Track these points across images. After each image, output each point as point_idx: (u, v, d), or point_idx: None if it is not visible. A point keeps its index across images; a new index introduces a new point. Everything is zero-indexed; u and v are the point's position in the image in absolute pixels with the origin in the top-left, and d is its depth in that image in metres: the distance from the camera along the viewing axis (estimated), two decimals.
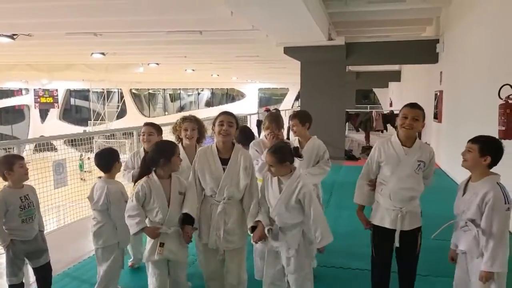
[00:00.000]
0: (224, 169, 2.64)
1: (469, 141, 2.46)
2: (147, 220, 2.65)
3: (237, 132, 2.81)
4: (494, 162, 2.40)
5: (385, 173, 2.77)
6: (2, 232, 2.79)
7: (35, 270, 2.98)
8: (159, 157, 2.61)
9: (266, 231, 2.62)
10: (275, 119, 3.35)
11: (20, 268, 2.91)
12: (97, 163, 2.99)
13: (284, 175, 2.66)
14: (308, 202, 2.59)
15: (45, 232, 3.13)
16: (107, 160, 2.98)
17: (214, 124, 2.71)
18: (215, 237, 2.66)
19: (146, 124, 3.66)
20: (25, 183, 2.93)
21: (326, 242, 2.60)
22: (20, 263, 2.90)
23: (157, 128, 3.63)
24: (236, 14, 6.95)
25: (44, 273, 3.00)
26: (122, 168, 3.72)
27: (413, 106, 2.71)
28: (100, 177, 2.99)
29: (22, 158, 2.92)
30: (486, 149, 2.37)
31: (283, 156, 2.63)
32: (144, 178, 2.64)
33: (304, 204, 2.61)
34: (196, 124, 3.40)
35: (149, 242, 2.67)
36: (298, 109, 11.55)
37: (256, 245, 2.95)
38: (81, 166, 14.91)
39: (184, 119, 3.43)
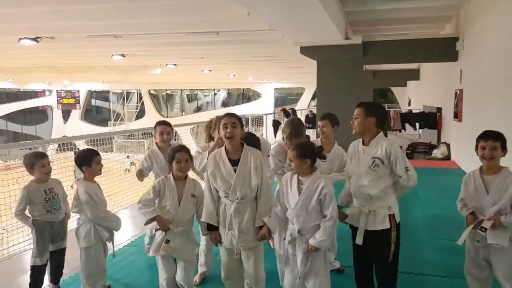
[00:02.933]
0: (235, 170, 2.66)
1: (485, 139, 2.58)
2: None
3: (242, 135, 2.82)
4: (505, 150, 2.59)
5: (350, 171, 2.83)
6: (24, 219, 3.04)
7: (51, 253, 3.13)
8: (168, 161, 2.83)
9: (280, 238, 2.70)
10: (291, 126, 3.39)
11: (46, 249, 3.06)
12: (75, 162, 3.07)
13: (304, 174, 2.64)
14: (328, 203, 2.57)
15: (68, 229, 3.25)
16: (78, 162, 3.02)
17: (219, 128, 2.76)
18: (231, 236, 2.68)
19: (162, 123, 3.67)
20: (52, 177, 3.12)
21: (319, 246, 2.55)
22: (46, 243, 3.06)
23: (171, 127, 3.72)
24: (253, 15, 7.00)
25: (59, 257, 3.17)
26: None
27: (360, 105, 2.74)
28: (78, 179, 3.06)
29: (44, 158, 3.08)
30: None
31: (304, 151, 2.62)
32: (162, 177, 2.84)
33: (324, 205, 2.58)
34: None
35: (156, 238, 2.78)
36: (315, 108, 11.50)
37: (278, 251, 2.97)
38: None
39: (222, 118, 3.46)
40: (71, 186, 3.70)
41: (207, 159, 2.81)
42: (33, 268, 3.05)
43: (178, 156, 2.77)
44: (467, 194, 2.70)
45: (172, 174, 2.81)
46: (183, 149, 2.85)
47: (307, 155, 2.62)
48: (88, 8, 7.37)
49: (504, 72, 5.85)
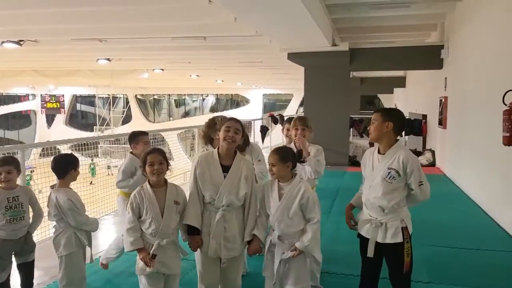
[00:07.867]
0: (224, 176, 2.58)
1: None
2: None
3: (241, 140, 2.71)
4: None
5: (364, 180, 2.73)
6: None
7: (19, 266, 3.00)
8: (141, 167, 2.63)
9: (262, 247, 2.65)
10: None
11: (3, 268, 2.88)
12: (52, 167, 2.88)
13: (285, 179, 2.62)
14: (311, 207, 2.56)
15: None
16: (63, 167, 2.86)
17: (219, 130, 2.65)
18: (215, 245, 2.57)
19: (145, 133, 3.80)
20: (30, 186, 2.99)
21: (305, 250, 2.54)
22: (4, 263, 2.89)
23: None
24: (240, 20, 6.99)
25: (26, 270, 3.02)
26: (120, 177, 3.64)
27: (378, 111, 2.63)
28: (52, 186, 2.89)
29: (6, 164, 2.90)
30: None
31: (286, 155, 2.62)
32: (137, 188, 2.61)
33: (306, 210, 2.56)
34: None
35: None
36: (303, 114, 11.53)
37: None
38: (93, 171, 15.16)
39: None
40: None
41: (198, 159, 2.68)
42: None
43: (151, 158, 2.55)
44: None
45: (148, 181, 2.58)
46: (157, 151, 2.66)
47: (288, 158, 2.62)
48: (72, 11, 7.26)
49: (487, 80, 5.93)
